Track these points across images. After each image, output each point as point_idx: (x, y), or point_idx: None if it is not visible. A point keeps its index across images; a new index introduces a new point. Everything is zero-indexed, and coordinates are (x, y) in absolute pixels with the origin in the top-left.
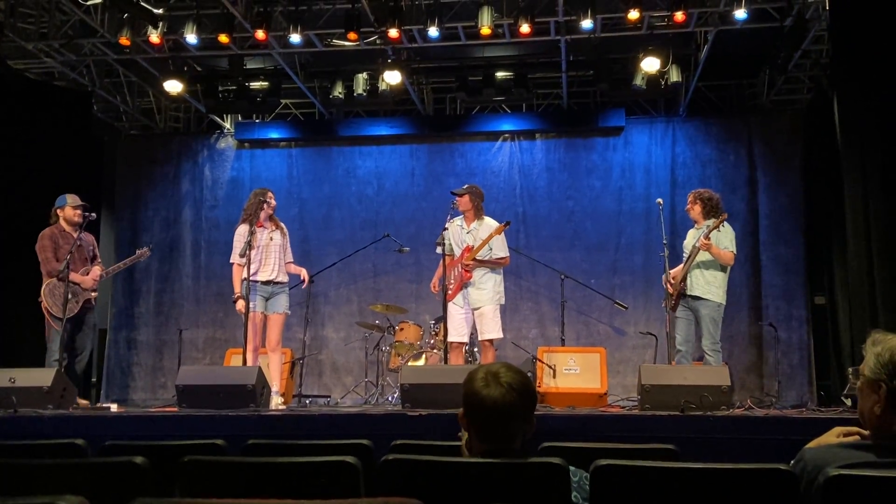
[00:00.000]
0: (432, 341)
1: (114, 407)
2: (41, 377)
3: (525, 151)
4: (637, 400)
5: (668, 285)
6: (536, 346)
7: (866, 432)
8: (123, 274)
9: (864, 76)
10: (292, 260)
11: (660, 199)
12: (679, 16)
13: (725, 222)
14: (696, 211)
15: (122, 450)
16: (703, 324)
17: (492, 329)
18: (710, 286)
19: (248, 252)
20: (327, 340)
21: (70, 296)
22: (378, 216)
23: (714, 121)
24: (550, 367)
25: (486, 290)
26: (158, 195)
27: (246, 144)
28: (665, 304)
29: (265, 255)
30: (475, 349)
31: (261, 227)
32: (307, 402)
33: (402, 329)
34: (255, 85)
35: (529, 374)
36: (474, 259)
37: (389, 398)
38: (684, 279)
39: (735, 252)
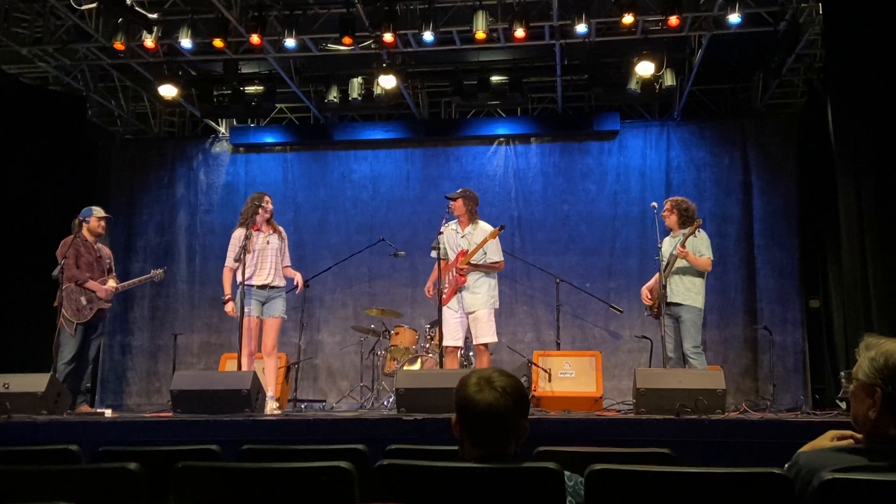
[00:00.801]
0: (428, 345)
1: (108, 412)
2: (35, 383)
3: (520, 155)
4: (632, 404)
5: (647, 299)
6: (532, 350)
7: (860, 436)
8: None
9: (857, 80)
10: (290, 264)
11: (654, 203)
12: (673, 20)
13: (700, 229)
14: (672, 219)
15: (115, 456)
16: (684, 328)
17: (486, 333)
18: (689, 292)
19: (243, 256)
20: (323, 345)
21: (85, 302)
22: (373, 220)
23: (708, 125)
24: (546, 370)
25: (481, 294)
26: (153, 200)
27: (241, 149)
28: (647, 313)
29: (261, 260)
30: (470, 353)
31: (257, 230)
32: (302, 406)
33: (397, 333)
34: (250, 89)
35: (524, 378)
36: (469, 263)
37: (385, 402)
38: (664, 287)
39: (712, 258)
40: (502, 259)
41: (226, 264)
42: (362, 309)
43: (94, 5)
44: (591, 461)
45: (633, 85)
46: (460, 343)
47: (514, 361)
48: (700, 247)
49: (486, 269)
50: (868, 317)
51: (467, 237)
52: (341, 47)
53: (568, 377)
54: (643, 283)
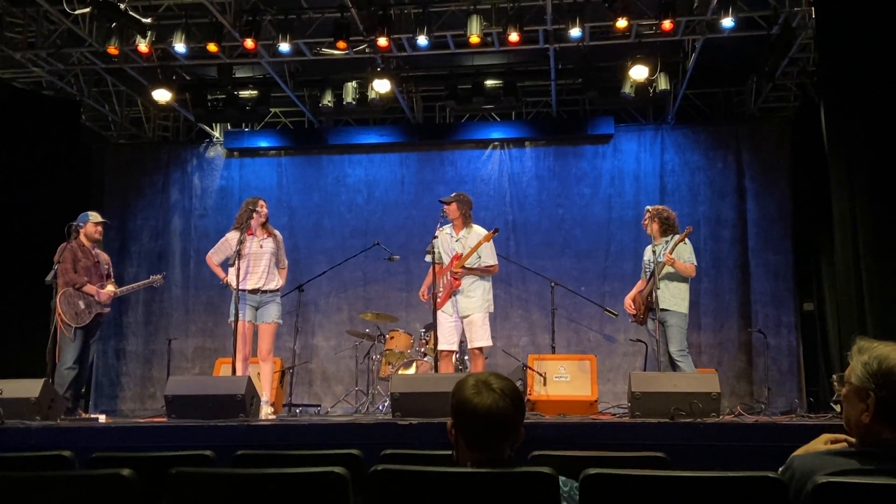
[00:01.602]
0: (423, 350)
1: (102, 418)
2: (28, 388)
3: (515, 159)
4: (627, 407)
5: (630, 309)
6: (527, 354)
7: (853, 440)
8: None
9: (850, 84)
10: (285, 267)
11: (649, 207)
12: (667, 24)
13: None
14: (653, 228)
15: (109, 462)
16: (670, 333)
17: (481, 337)
18: (675, 298)
19: (237, 262)
20: (317, 349)
21: (84, 306)
22: (368, 224)
23: (702, 128)
24: (541, 374)
25: (475, 298)
26: (147, 204)
27: (235, 153)
28: (632, 320)
29: (254, 264)
30: (465, 357)
31: (251, 235)
32: (297, 411)
33: (392, 337)
34: (245, 94)
35: (519, 382)
36: (463, 267)
37: (380, 407)
38: (650, 293)
39: (696, 264)
40: (497, 262)
41: (208, 254)
42: (357, 313)
43: (87, 10)
44: (586, 465)
45: (627, 89)
46: (455, 347)
47: (509, 365)
48: (684, 253)
49: (481, 272)
50: (862, 320)
51: (462, 241)
52: (335, 51)
53: (563, 381)
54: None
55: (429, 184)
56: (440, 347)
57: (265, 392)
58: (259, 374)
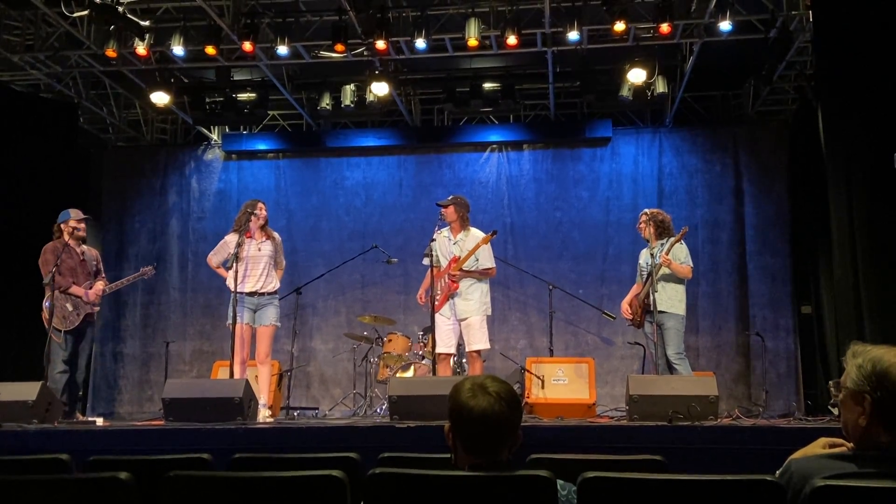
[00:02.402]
0: (420, 352)
1: (99, 421)
2: (25, 391)
3: (513, 162)
4: (625, 410)
5: (627, 314)
6: (525, 357)
7: (850, 444)
8: None
9: (847, 87)
10: (282, 267)
11: (644, 210)
12: (665, 27)
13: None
14: (649, 231)
15: (106, 465)
16: (667, 335)
17: (479, 340)
18: (672, 300)
19: (235, 265)
20: (315, 352)
21: (71, 308)
22: (366, 227)
23: (700, 131)
24: (539, 377)
25: (473, 301)
26: (145, 207)
27: (233, 156)
28: (630, 324)
29: (251, 267)
30: (463, 360)
31: (250, 238)
32: (295, 414)
33: (390, 340)
34: (243, 96)
35: (517, 385)
36: (461, 270)
37: (378, 410)
38: (647, 296)
39: (692, 265)
40: (494, 265)
41: (208, 256)
42: (355, 316)
43: (85, 13)
44: (584, 469)
45: (625, 92)
46: (453, 350)
47: (507, 368)
48: (680, 255)
49: (479, 275)
50: (859, 323)
51: (459, 244)
52: (334, 54)
53: (561, 384)
54: None
55: (427, 186)
56: (438, 350)
57: (263, 395)
58: (257, 376)
